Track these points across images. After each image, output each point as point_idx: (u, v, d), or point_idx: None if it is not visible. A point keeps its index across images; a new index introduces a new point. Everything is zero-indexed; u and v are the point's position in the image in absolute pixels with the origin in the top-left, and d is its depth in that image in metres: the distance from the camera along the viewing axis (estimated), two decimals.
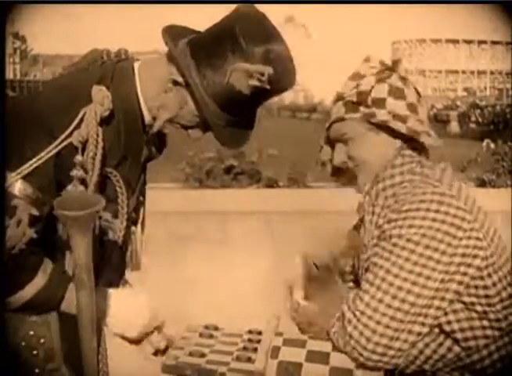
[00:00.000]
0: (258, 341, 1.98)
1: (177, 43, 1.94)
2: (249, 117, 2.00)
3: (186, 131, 2.00)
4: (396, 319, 1.80)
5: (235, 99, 1.90)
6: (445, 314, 1.85)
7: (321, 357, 1.89)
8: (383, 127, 1.95)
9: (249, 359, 1.86)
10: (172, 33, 1.96)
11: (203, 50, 1.91)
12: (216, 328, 2.08)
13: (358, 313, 1.82)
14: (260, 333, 2.04)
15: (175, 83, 1.93)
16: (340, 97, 2.01)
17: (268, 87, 1.88)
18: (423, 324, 1.82)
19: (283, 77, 1.92)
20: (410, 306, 1.81)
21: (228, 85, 1.88)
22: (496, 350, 1.86)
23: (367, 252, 1.94)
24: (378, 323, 1.81)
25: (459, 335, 1.85)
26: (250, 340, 2.00)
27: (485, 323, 1.85)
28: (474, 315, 1.85)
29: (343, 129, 1.99)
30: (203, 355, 1.89)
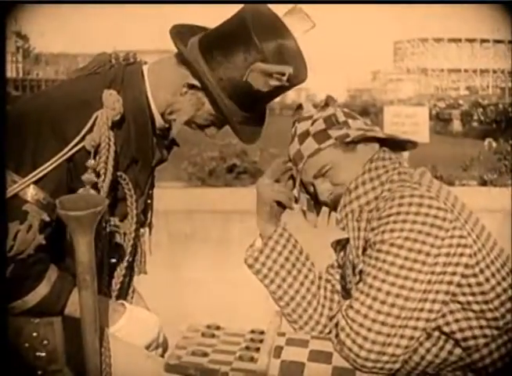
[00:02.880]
0: (261, 341, 1.98)
1: (186, 43, 1.95)
2: (261, 112, 2.03)
3: (202, 130, 2.03)
4: (387, 324, 1.81)
5: (252, 97, 1.93)
6: (443, 316, 1.85)
7: (324, 357, 1.89)
8: (357, 142, 1.99)
9: (251, 359, 1.86)
10: (180, 32, 1.97)
11: (214, 48, 1.92)
12: (218, 328, 2.08)
13: (349, 321, 1.83)
14: (262, 332, 2.04)
15: (190, 86, 1.94)
16: (305, 134, 2.02)
17: (287, 84, 1.90)
18: (415, 328, 1.83)
19: (298, 72, 1.94)
20: (400, 310, 1.81)
21: (247, 84, 1.90)
22: (496, 349, 1.86)
23: (357, 266, 1.94)
24: (369, 329, 1.81)
25: (458, 335, 1.85)
26: (252, 340, 2.00)
27: (483, 322, 1.85)
28: (472, 314, 1.85)
29: (320, 162, 2.00)
30: (205, 354, 1.90)
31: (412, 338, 1.83)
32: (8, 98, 2.02)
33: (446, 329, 1.85)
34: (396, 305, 1.81)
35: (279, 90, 1.94)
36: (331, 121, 2.00)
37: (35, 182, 1.82)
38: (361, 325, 1.81)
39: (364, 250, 1.93)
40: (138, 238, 2.09)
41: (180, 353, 1.91)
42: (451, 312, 1.85)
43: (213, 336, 2.02)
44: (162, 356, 1.99)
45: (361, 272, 1.91)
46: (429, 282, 1.82)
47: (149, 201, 2.13)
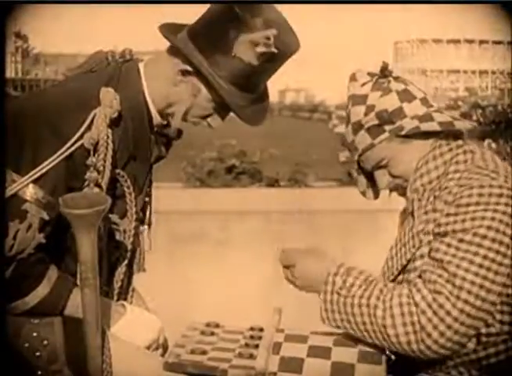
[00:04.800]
0: (260, 338, 1.98)
1: (176, 35, 1.96)
2: (262, 92, 2.03)
3: (206, 121, 2.03)
4: (471, 316, 1.79)
5: (246, 73, 1.92)
6: None
7: (322, 352, 1.90)
8: (414, 134, 1.95)
9: (251, 356, 1.87)
10: (169, 28, 1.98)
11: (204, 35, 1.93)
12: (217, 325, 2.09)
13: (435, 306, 1.79)
14: (261, 330, 2.05)
15: (184, 73, 1.95)
16: (358, 126, 1.97)
17: (275, 50, 1.89)
18: (485, 322, 1.82)
19: (286, 38, 1.93)
20: (482, 302, 1.80)
21: (237, 60, 1.91)
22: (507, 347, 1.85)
23: (414, 246, 1.91)
24: (456, 319, 1.78)
25: (484, 330, 1.85)
26: (251, 337, 2.01)
27: (506, 318, 1.84)
28: (506, 309, 1.84)
29: (378, 155, 1.97)
30: (204, 352, 1.90)
31: (478, 329, 1.82)
32: (7, 98, 2.02)
33: None
34: (479, 297, 1.79)
35: (272, 62, 1.93)
36: (383, 117, 1.95)
37: (34, 181, 1.83)
38: (448, 313, 1.78)
39: (434, 233, 1.88)
40: (138, 236, 2.10)
41: (179, 351, 1.91)
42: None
43: (212, 334, 2.03)
44: (163, 356, 1.99)
45: (429, 254, 1.87)
46: (508, 276, 1.80)
47: (147, 199, 2.14)
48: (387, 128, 1.95)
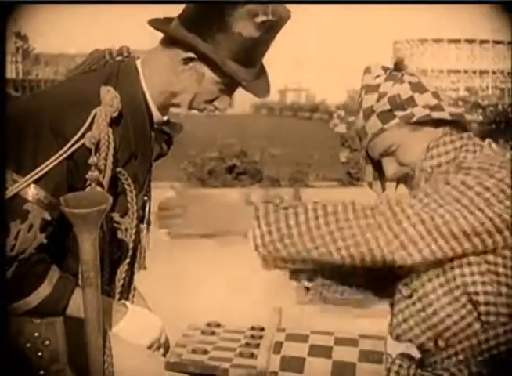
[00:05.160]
0: (261, 338, 1.99)
1: (168, 25, 1.96)
2: (261, 67, 2.03)
3: (212, 104, 2.02)
4: (441, 233, 1.76)
5: (247, 47, 1.93)
6: (474, 283, 1.84)
7: (324, 351, 1.90)
8: (424, 122, 1.96)
9: (252, 355, 1.87)
10: (160, 22, 1.99)
11: (198, 18, 1.93)
12: (218, 325, 2.09)
13: (422, 213, 1.76)
14: (262, 329, 2.05)
15: (187, 61, 1.95)
16: (370, 111, 1.99)
17: (273, 18, 1.90)
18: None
19: (277, 6, 1.93)
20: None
21: (237, 36, 1.91)
22: (511, 331, 1.85)
23: None
24: (429, 232, 1.76)
25: (482, 308, 1.85)
26: (252, 336, 2.01)
27: (510, 300, 1.85)
28: (503, 290, 1.85)
29: (387, 141, 1.98)
30: (205, 352, 1.90)
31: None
32: (7, 98, 2.03)
33: (474, 298, 1.85)
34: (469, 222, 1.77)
35: (270, 32, 1.94)
36: (395, 102, 1.97)
37: (36, 182, 1.83)
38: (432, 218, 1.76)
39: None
40: (139, 234, 2.10)
41: (180, 351, 1.91)
42: (483, 282, 1.84)
43: (213, 333, 2.03)
44: (164, 356, 1.99)
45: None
46: (500, 216, 1.79)
47: (146, 198, 2.14)
48: (398, 114, 1.96)
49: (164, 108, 2.03)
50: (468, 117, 1.98)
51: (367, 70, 2.04)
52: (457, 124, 2.00)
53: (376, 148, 2.01)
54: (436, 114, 1.95)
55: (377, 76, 2.02)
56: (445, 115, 1.96)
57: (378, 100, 1.98)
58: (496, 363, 1.87)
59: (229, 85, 1.99)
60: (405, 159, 1.99)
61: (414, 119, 1.95)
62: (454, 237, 1.77)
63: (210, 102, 2.02)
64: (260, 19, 1.89)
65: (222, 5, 1.90)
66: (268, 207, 1.82)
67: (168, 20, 2.00)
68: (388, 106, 1.97)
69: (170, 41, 1.97)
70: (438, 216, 1.77)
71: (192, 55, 1.94)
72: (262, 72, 2.04)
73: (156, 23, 1.98)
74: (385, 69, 2.03)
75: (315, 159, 14.07)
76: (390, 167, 2.01)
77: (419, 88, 1.99)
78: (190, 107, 2.03)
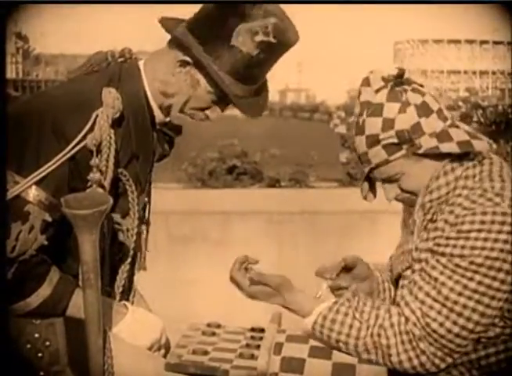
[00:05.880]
0: (261, 339, 1.99)
1: (176, 27, 1.97)
2: (262, 84, 2.02)
3: (204, 113, 2.02)
4: (460, 336, 1.81)
5: (245, 64, 1.92)
6: None
7: (324, 353, 1.91)
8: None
9: (252, 356, 1.88)
10: (169, 22, 1.99)
11: (203, 26, 1.94)
12: (218, 326, 2.09)
13: (423, 323, 1.81)
14: (262, 330, 2.06)
15: (184, 64, 1.95)
16: (375, 140, 1.90)
17: (274, 41, 1.89)
18: (484, 332, 1.84)
19: (285, 29, 1.93)
20: (474, 325, 1.81)
21: (235, 51, 1.91)
22: (503, 351, 1.86)
23: (413, 259, 1.91)
24: (442, 337, 1.81)
25: (483, 334, 1.85)
26: (252, 337, 2.01)
27: (502, 323, 1.85)
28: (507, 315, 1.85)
29: (392, 170, 1.93)
30: (206, 352, 1.91)
31: (473, 340, 1.85)
32: (8, 99, 2.03)
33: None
34: (471, 320, 1.80)
35: (271, 53, 1.93)
36: (404, 136, 1.88)
37: (37, 183, 1.83)
38: (434, 331, 1.81)
39: (431, 251, 1.87)
40: (140, 235, 2.10)
41: (181, 352, 1.92)
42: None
43: (213, 334, 2.04)
44: (165, 356, 1.99)
45: (421, 267, 1.87)
46: (506, 301, 1.81)
47: (146, 199, 2.14)
48: (405, 146, 1.89)
49: (165, 108, 2.03)
50: (477, 143, 1.89)
51: (366, 83, 1.95)
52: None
53: (379, 174, 1.96)
54: (445, 147, 1.88)
55: (378, 90, 1.92)
56: (453, 148, 1.88)
57: (384, 130, 1.89)
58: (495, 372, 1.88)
59: (222, 98, 1.98)
60: (409, 186, 1.95)
61: (421, 151, 1.89)
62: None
63: (203, 110, 2.02)
64: (259, 38, 1.89)
65: (228, 16, 1.90)
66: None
67: (179, 21, 2.00)
68: (396, 140, 1.89)
69: (174, 43, 1.97)
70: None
71: (188, 59, 1.94)
72: (261, 91, 2.02)
73: (165, 22, 1.98)
74: (386, 80, 1.93)
75: (315, 159, 14.06)
76: (391, 191, 1.98)
77: (424, 110, 1.89)
78: (181, 111, 2.02)
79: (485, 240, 1.79)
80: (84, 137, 1.86)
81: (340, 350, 1.86)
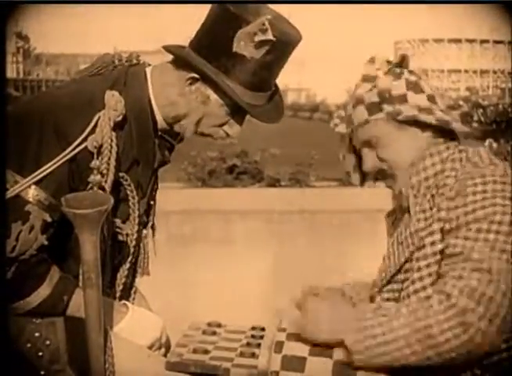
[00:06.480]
0: (261, 337, 1.99)
1: (181, 50, 1.98)
2: (275, 90, 2.03)
3: (222, 129, 2.01)
4: (506, 295, 1.75)
5: (252, 69, 1.92)
6: None
7: (325, 351, 1.90)
8: (410, 122, 1.94)
9: (253, 355, 1.88)
10: (172, 47, 2.00)
11: (205, 42, 1.95)
12: (219, 325, 2.09)
13: (477, 297, 1.74)
14: (263, 329, 2.06)
15: (192, 82, 1.95)
16: (359, 101, 1.98)
17: (273, 38, 1.89)
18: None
19: (284, 28, 1.94)
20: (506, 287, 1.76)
21: (240, 58, 1.91)
22: (506, 349, 1.83)
23: (414, 244, 1.89)
24: (495, 301, 1.73)
25: None
26: (253, 336, 2.01)
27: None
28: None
29: (369, 133, 1.96)
30: (206, 351, 1.91)
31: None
32: (8, 98, 2.03)
33: None
34: (509, 277, 1.76)
35: (274, 53, 1.93)
36: (384, 96, 1.95)
37: (37, 183, 1.83)
38: (490, 299, 1.74)
39: (445, 231, 1.85)
40: (141, 239, 2.10)
41: (181, 351, 1.92)
42: None
43: (214, 333, 2.04)
44: (165, 356, 1.99)
45: (442, 253, 1.84)
46: None
47: (151, 203, 2.14)
48: (386, 108, 1.94)
49: (170, 122, 2.03)
50: (457, 125, 1.95)
51: (371, 60, 2.02)
52: (446, 130, 1.97)
53: (359, 136, 2.00)
54: (423, 117, 1.93)
55: (379, 68, 2.00)
56: (430, 119, 1.93)
57: (370, 89, 1.97)
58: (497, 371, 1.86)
59: (237, 110, 1.98)
60: (385, 154, 1.96)
61: (400, 117, 1.93)
62: None
63: (220, 126, 2.01)
64: (258, 38, 1.89)
65: (226, 27, 1.91)
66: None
67: (181, 47, 2.01)
68: (377, 99, 1.95)
69: (180, 63, 1.97)
70: None
71: (195, 75, 1.94)
72: (275, 96, 2.03)
73: (169, 48, 1.99)
74: (388, 62, 2.02)
75: (315, 159, 14.06)
76: (368, 159, 1.99)
77: (414, 87, 1.97)
78: (198, 132, 2.02)
79: (493, 197, 1.80)
80: (86, 139, 1.86)
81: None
